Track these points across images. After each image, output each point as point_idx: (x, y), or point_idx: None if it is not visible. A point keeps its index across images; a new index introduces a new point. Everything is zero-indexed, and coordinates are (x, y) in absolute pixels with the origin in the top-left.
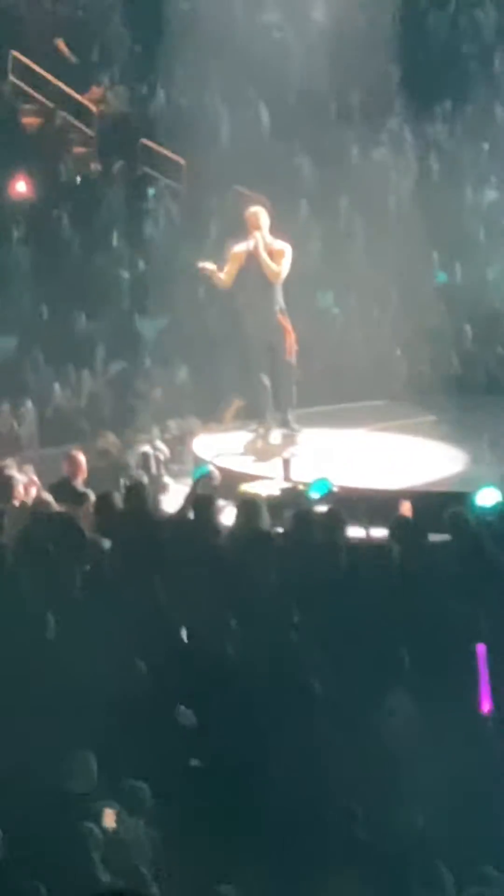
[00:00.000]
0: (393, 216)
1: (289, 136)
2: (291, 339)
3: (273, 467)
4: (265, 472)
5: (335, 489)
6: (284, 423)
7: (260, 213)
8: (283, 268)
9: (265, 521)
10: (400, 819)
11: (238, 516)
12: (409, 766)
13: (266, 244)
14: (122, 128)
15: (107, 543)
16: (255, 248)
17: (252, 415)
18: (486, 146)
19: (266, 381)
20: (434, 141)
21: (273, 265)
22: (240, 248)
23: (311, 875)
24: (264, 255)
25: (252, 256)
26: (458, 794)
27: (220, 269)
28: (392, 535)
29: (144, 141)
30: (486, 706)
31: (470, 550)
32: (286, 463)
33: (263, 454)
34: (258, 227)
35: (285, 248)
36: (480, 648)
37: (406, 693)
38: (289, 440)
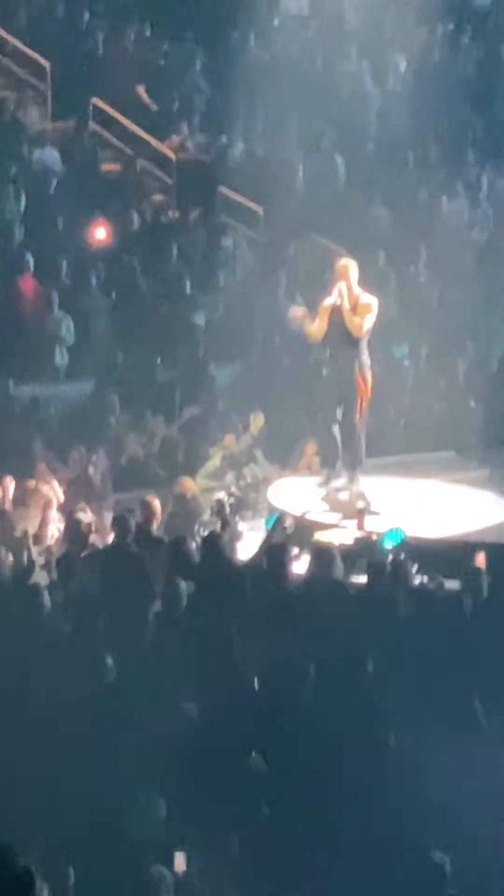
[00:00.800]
0: (468, 267)
1: (366, 186)
2: (364, 400)
3: (347, 516)
4: (339, 520)
5: (408, 539)
6: (351, 480)
7: (350, 266)
8: (366, 322)
9: (339, 570)
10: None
11: (312, 565)
12: (486, 817)
13: (353, 297)
14: (201, 176)
15: (183, 586)
16: (340, 301)
17: (327, 463)
18: None
19: (337, 433)
20: None
21: (356, 319)
22: (328, 301)
23: None
24: (347, 310)
25: (337, 310)
26: None
27: (309, 315)
28: (466, 585)
29: (222, 189)
30: None
31: None
32: (360, 512)
33: (337, 503)
34: (345, 280)
35: (372, 301)
36: None
37: (479, 743)
38: (361, 491)
